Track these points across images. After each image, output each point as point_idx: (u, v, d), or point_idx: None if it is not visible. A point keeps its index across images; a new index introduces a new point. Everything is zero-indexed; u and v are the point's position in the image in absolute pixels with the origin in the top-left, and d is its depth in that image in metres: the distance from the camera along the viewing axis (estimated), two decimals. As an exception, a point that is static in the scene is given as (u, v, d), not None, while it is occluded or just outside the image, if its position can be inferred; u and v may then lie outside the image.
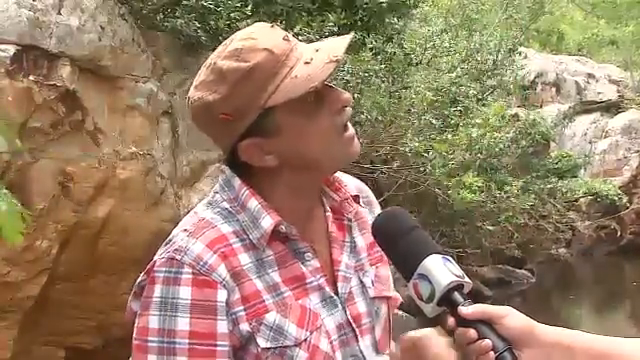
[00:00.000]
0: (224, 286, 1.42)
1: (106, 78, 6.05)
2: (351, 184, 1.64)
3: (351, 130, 1.51)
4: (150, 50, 6.50)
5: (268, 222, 1.47)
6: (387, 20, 8.94)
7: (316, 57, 1.46)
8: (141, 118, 6.28)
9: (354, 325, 1.54)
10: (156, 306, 1.43)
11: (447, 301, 1.39)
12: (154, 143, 6.38)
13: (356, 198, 1.62)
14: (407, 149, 9.08)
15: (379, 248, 1.55)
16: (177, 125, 6.63)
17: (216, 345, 1.42)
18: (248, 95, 1.44)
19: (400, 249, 1.45)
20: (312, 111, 1.46)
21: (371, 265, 1.62)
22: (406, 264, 1.43)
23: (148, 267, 1.48)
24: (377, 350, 1.58)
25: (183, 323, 1.41)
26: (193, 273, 1.42)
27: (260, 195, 1.50)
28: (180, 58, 6.67)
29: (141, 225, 6.11)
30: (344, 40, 1.50)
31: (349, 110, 1.51)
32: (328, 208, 1.60)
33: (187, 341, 1.41)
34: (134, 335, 1.46)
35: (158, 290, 1.43)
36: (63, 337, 6.30)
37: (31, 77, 5.47)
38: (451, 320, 1.39)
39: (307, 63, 1.45)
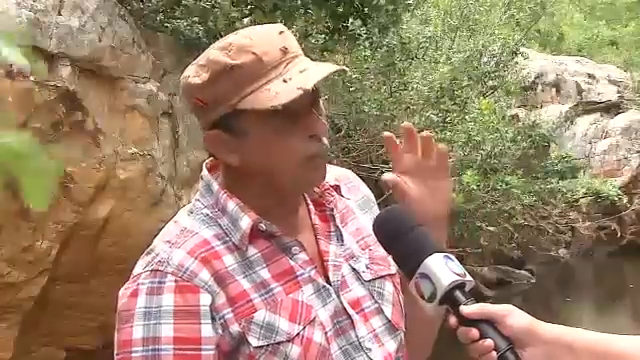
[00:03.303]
0: (207, 290, 1.42)
1: (106, 79, 6.04)
2: (330, 175, 1.62)
3: (320, 161, 1.50)
4: (150, 51, 6.50)
5: (246, 222, 1.47)
6: (382, 10, 8.83)
7: (295, 79, 1.44)
8: (141, 119, 6.28)
9: (351, 312, 1.52)
10: (140, 317, 1.43)
11: (449, 300, 1.38)
12: (154, 144, 6.38)
13: (337, 188, 1.62)
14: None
15: (370, 232, 1.54)
16: (177, 125, 6.63)
17: (201, 349, 1.41)
18: (223, 91, 1.44)
19: (401, 248, 1.44)
20: (283, 129, 1.45)
21: (363, 250, 1.60)
22: (407, 263, 1.43)
23: (132, 279, 1.48)
24: (394, 328, 1.57)
25: (167, 329, 1.40)
26: (175, 281, 1.42)
27: (237, 196, 1.50)
28: (180, 59, 6.66)
29: (141, 225, 6.10)
30: (325, 70, 1.47)
31: (325, 141, 1.49)
32: (310, 201, 1.60)
33: (172, 347, 1.40)
34: (116, 350, 1.46)
35: (142, 301, 1.43)
36: (63, 338, 6.29)
37: (31, 78, 5.47)
38: (453, 319, 1.38)
39: (285, 81, 1.43)
